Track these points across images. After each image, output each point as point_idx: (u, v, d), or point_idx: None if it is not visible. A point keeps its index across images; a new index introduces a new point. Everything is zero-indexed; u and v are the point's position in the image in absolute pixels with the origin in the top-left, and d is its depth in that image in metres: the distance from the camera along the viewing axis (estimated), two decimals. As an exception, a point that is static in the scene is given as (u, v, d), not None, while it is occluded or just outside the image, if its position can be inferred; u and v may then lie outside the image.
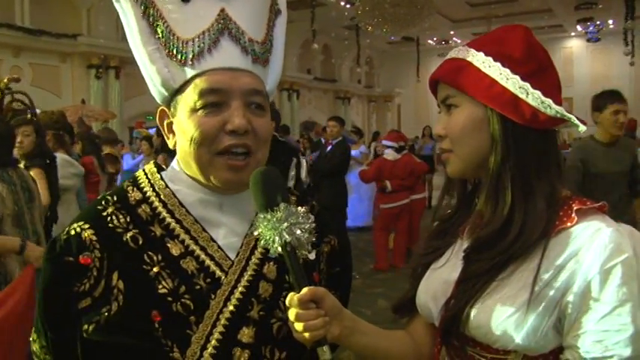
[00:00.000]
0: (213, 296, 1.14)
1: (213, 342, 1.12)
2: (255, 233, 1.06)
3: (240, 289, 1.16)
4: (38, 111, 5.29)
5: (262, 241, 1.05)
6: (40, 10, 12.80)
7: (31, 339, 1.20)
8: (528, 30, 1.19)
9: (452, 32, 21.10)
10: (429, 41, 22.69)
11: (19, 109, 3.87)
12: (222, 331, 1.13)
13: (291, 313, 1.05)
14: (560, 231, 1.09)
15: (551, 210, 1.11)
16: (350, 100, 24.86)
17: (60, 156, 4.47)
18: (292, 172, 5.10)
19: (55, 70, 13.57)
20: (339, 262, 1.39)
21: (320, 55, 21.87)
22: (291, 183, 5.06)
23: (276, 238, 1.03)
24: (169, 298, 1.12)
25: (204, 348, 1.11)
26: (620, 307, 1.01)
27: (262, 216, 1.05)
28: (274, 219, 1.04)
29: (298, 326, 1.04)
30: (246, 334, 1.15)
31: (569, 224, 1.08)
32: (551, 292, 1.05)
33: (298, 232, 1.04)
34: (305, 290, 1.04)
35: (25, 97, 4.01)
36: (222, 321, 1.13)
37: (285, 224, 1.04)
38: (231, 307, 1.14)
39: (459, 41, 21.40)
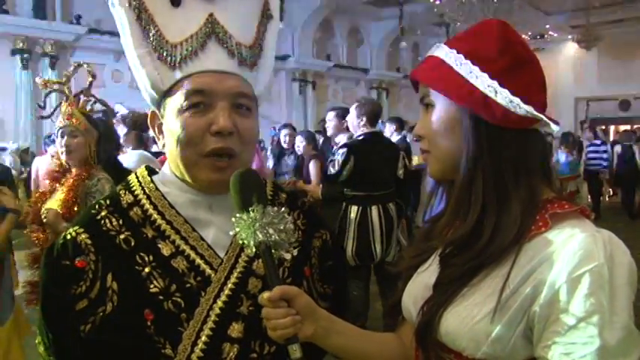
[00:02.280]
0: (203, 293, 1.19)
1: (204, 338, 1.16)
2: (231, 233, 1.10)
3: (229, 285, 1.20)
4: (125, 111, 5.63)
5: (240, 241, 1.09)
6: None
7: (36, 341, 1.26)
8: (505, 25, 1.14)
9: (547, 26, 20.18)
10: (524, 36, 21.66)
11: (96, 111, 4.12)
12: (212, 327, 1.17)
13: (263, 312, 1.08)
14: (533, 236, 1.04)
15: (528, 214, 1.06)
16: (441, 98, 24.34)
17: (142, 153, 4.81)
18: (401, 171, 5.07)
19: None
20: (331, 256, 1.41)
21: (409, 53, 21.63)
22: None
23: (251, 238, 1.07)
24: (160, 297, 1.17)
25: (194, 344, 1.15)
26: (587, 318, 0.95)
27: (238, 216, 1.09)
28: (249, 219, 1.07)
29: (268, 324, 1.07)
30: (235, 329, 1.18)
31: (543, 229, 1.03)
32: (519, 300, 1.01)
33: (271, 231, 1.07)
34: (275, 289, 1.07)
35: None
36: (212, 317, 1.17)
37: (258, 224, 1.07)
38: (220, 304, 1.18)
39: (555, 35, 20.47)
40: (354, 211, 4.77)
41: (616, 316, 0.95)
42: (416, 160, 8.19)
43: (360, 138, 4.89)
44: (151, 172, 1.34)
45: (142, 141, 5.23)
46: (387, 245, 4.79)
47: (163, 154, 6.18)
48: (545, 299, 0.99)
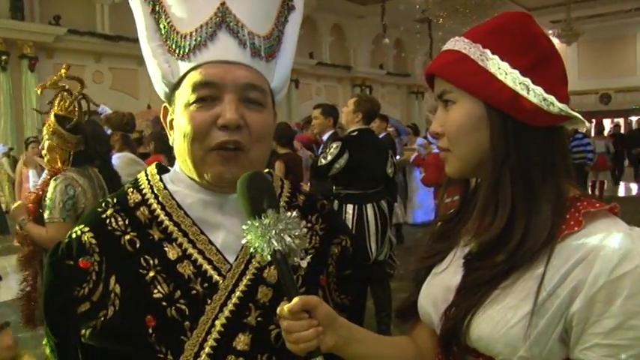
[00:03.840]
0: (209, 301, 1.11)
1: (207, 349, 1.09)
2: (243, 241, 1.02)
3: (237, 293, 1.13)
4: (109, 111, 5.55)
5: (251, 249, 1.01)
6: (117, 17, 13.40)
7: (43, 342, 1.22)
8: (529, 17, 1.09)
9: (529, 21, 20.34)
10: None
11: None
12: (216, 338, 1.10)
13: (283, 325, 1.01)
14: (566, 236, 0.99)
15: (557, 213, 1.02)
16: (424, 95, 24.50)
17: (126, 155, 4.71)
18: (390, 169, 5.05)
19: (133, 73, 14.15)
20: (350, 264, 1.32)
21: (392, 50, 21.69)
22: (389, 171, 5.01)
23: (265, 246, 0.99)
24: (164, 303, 1.10)
25: (197, 355, 1.09)
26: (630, 320, 0.92)
27: (250, 223, 1.01)
28: (262, 226, 0.99)
29: (289, 338, 1.00)
30: (241, 341, 1.11)
31: (576, 229, 0.99)
32: (556, 302, 0.97)
33: (288, 238, 0.99)
34: (296, 300, 0.99)
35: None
36: (218, 327, 1.10)
37: (274, 231, 0.99)
38: (227, 313, 1.11)
39: (536, 30, 20.67)
40: (350, 210, 4.72)
41: None
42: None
43: (355, 134, 4.85)
44: (163, 170, 1.27)
45: (127, 142, 5.13)
46: (381, 244, 4.76)
47: (156, 154, 6.17)
48: (584, 301, 0.95)
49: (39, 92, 3.40)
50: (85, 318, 1.11)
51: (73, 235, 1.16)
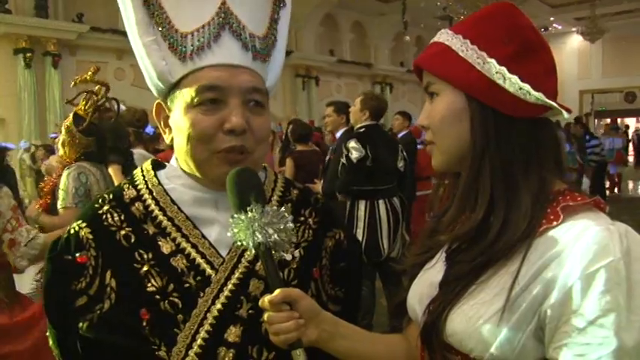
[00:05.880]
0: (202, 294, 1.14)
1: (199, 341, 1.11)
2: (229, 234, 1.04)
3: (229, 286, 1.15)
4: (123, 107, 5.60)
5: (238, 242, 1.04)
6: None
7: (47, 334, 1.24)
8: (513, 7, 1.07)
9: (552, 18, 20.06)
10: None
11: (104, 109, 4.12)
12: (208, 330, 1.12)
13: (264, 316, 1.03)
14: (544, 231, 0.97)
15: (538, 207, 1.00)
16: (445, 92, 24.30)
17: (138, 151, 4.74)
18: (401, 163, 5.03)
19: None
20: (345, 257, 1.33)
21: (413, 47, 21.54)
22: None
23: (249, 239, 1.02)
24: (157, 297, 1.12)
25: (189, 347, 1.11)
26: (602, 317, 0.88)
27: (236, 216, 1.03)
28: (247, 219, 1.02)
29: (270, 329, 1.02)
30: (233, 333, 1.13)
31: (554, 223, 0.97)
32: (529, 299, 0.94)
33: (271, 232, 1.02)
34: (277, 292, 1.02)
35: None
36: (210, 320, 1.12)
37: (257, 224, 1.01)
38: (219, 306, 1.13)
39: (560, 27, 20.34)
40: (362, 206, 4.70)
41: (634, 315, 0.89)
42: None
43: (362, 130, 4.83)
44: (158, 166, 1.28)
45: (140, 138, 5.14)
46: (393, 240, 4.74)
47: (162, 151, 6.21)
48: (557, 297, 0.92)
49: (72, 86, 3.48)
50: (83, 311, 1.13)
51: (72, 231, 1.19)
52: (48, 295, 1.19)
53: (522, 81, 1.00)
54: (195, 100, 1.12)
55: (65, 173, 3.37)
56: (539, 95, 1.00)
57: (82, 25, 13.06)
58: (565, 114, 1.03)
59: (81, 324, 1.13)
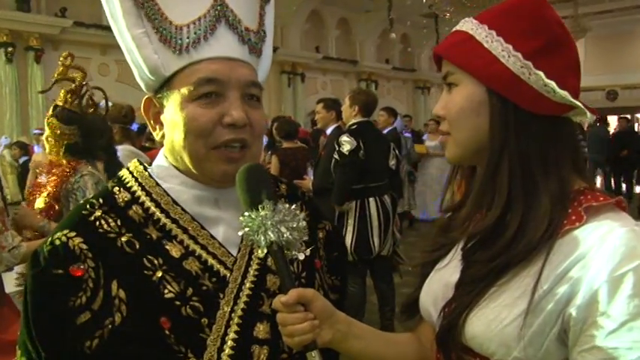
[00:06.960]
0: (221, 295, 1.10)
1: (230, 342, 1.07)
2: (240, 233, 1.00)
3: (247, 284, 1.12)
4: (106, 103, 5.52)
5: (249, 242, 1.01)
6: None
7: (17, 356, 1.10)
8: (542, 0, 1.04)
9: (536, 16, 20.21)
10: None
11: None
12: (237, 330, 1.08)
13: (278, 317, 1.00)
14: (567, 232, 0.94)
15: (559, 207, 0.97)
16: (429, 90, 24.42)
17: (126, 147, 4.65)
18: (392, 161, 5.02)
19: (139, 66, 14.12)
20: (336, 246, 1.36)
21: (398, 45, 21.62)
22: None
23: (262, 238, 0.98)
24: (177, 302, 1.06)
25: (221, 350, 1.07)
26: (631, 321, 0.86)
27: (247, 214, 1.00)
28: (259, 218, 0.98)
29: (284, 331, 0.99)
30: (261, 330, 1.10)
31: (577, 224, 0.94)
32: (553, 302, 0.92)
33: (284, 230, 0.99)
34: (291, 292, 0.98)
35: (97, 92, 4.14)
36: (236, 320, 1.09)
37: (269, 223, 0.98)
38: (242, 305, 1.10)
39: (544, 25, 20.55)
40: (352, 204, 4.68)
41: None
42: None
43: (354, 127, 4.81)
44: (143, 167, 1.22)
45: (127, 135, 5.00)
46: (384, 239, 4.73)
47: (151, 149, 6.15)
48: (582, 300, 0.90)
49: (50, 87, 3.39)
50: (88, 328, 1.03)
51: (57, 242, 1.07)
52: (38, 315, 1.05)
53: (547, 77, 0.98)
54: (194, 94, 1.09)
55: (80, 183, 3.17)
56: (565, 94, 0.97)
57: (66, 20, 12.92)
58: (589, 115, 1.01)
59: (88, 342, 1.02)
